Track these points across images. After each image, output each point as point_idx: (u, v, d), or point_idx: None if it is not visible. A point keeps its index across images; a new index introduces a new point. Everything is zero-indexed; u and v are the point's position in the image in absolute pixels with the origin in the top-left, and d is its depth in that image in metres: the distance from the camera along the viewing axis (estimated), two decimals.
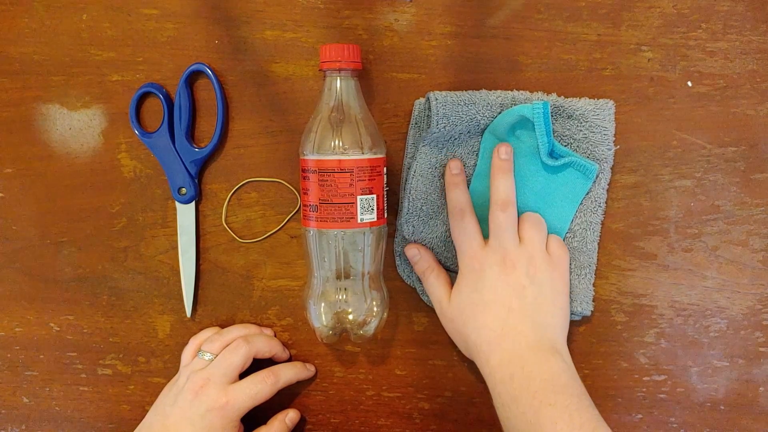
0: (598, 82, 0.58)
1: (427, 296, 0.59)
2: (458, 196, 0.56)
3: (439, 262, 0.59)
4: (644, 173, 0.59)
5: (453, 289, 0.56)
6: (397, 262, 0.60)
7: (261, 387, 0.57)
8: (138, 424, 0.58)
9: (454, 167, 0.57)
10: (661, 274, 0.60)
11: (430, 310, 0.60)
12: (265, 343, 0.59)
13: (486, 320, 0.53)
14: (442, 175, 0.58)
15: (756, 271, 0.59)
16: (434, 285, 0.57)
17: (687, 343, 0.60)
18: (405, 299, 0.61)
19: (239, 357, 0.57)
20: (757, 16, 0.57)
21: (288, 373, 0.59)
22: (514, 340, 0.52)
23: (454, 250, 0.57)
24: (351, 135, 0.53)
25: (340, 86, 0.54)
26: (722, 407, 0.60)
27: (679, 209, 0.59)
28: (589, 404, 0.49)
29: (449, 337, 0.58)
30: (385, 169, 0.55)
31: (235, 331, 0.60)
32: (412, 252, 0.58)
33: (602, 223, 0.59)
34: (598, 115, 0.57)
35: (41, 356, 0.64)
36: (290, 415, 0.61)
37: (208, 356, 0.57)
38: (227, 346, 0.58)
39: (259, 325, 0.62)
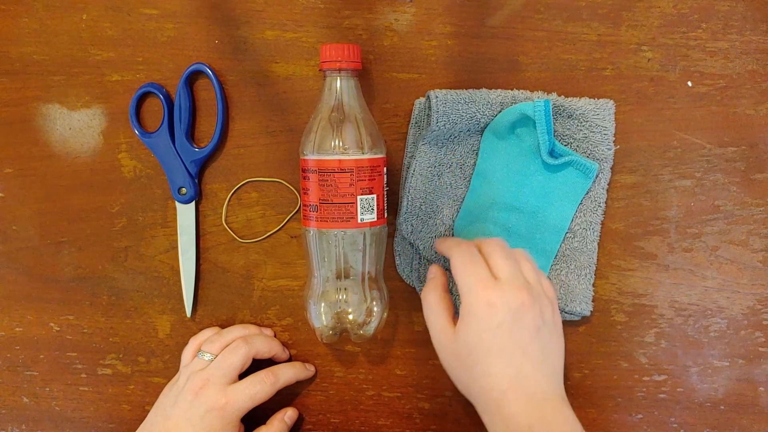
0: (598, 82, 0.58)
1: None
2: (456, 239, 0.54)
3: (438, 262, 0.59)
4: (644, 173, 0.59)
5: (459, 323, 0.50)
6: (397, 262, 0.60)
7: (260, 387, 0.57)
8: (138, 424, 0.58)
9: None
10: (661, 274, 0.60)
11: None
12: (265, 344, 0.59)
13: (500, 365, 0.48)
14: (442, 175, 0.58)
15: (756, 271, 0.59)
16: (435, 310, 0.52)
17: (687, 343, 0.60)
18: (405, 299, 0.61)
19: (239, 357, 0.57)
20: (757, 16, 0.57)
21: (287, 373, 0.59)
22: (529, 389, 0.48)
23: None
24: (351, 135, 0.53)
25: (340, 86, 0.54)
26: (722, 407, 0.60)
27: (679, 209, 0.59)
28: None
29: None
30: (385, 169, 0.55)
31: (235, 331, 0.60)
32: (433, 271, 0.56)
33: (602, 223, 0.59)
34: (598, 114, 0.57)
35: (41, 356, 0.64)
36: (289, 414, 0.61)
37: (207, 357, 0.57)
38: (227, 346, 0.58)
39: (259, 325, 0.62)
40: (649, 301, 0.60)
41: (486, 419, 0.49)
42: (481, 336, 0.48)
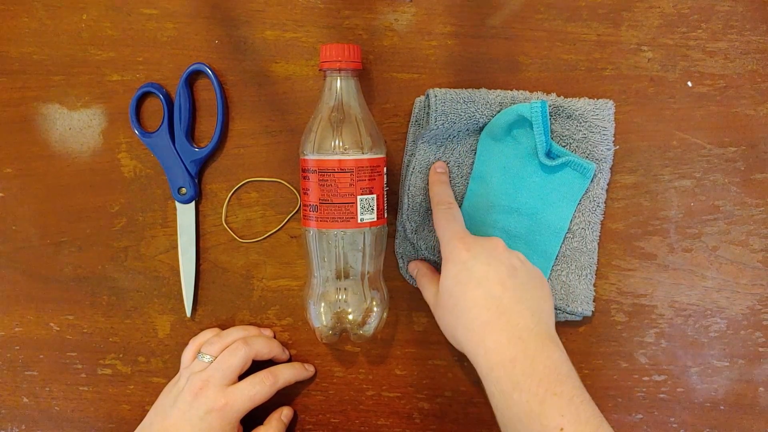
0: (598, 82, 0.58)
1: None
2: (444, 190, 0.56)
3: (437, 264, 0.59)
4: (644, 173, 0.59)
5: (441, 276, 0.52)
6: (400, 264, 0.60)
7: (260, 388, 0.57)
8: (138, 424, 0.58)
9: (438, 166, 0.58)
10: (661, 274, 0.60)
11: (430, 310, 0.60)
12: (265, 345, 0.59)
13: (478, 298, 0.48)
14: None
15: (756, 271, 0.59)
16: (428, 287, 0.55)
17: (687, 343, 0.60)
18: (405, 299, 0.61)
19: (238, 359, 0.57)
20: (757, 16, 0.57)
21: (287, 374, 0.59)
22: (511, 321, 0.47)
23: None
24: (351, 135, 0.53)
25: (340, 86, 0.54)
26: (722, 407, 0.60)
27: (679, 209, 0.59)
28: (590, 398, 0.46)
29: None
30: (385, 168, 0.55)
31: (235, 332, 0.60)
32: (416, 265, 0.59)
33: (602, 223, 0.59)
34: (598, 115, 0.57)
35: (41, 356, 0.64)
36: (284, 412, 0.61)
37: (207, 358, 0.57)
38: (227, 348, 0.58)
39: (258, 325, 0.62)
40: (649, 301, 0.60)
41: (473, 361, 0.49)
42: (459, 277, 0.50)
